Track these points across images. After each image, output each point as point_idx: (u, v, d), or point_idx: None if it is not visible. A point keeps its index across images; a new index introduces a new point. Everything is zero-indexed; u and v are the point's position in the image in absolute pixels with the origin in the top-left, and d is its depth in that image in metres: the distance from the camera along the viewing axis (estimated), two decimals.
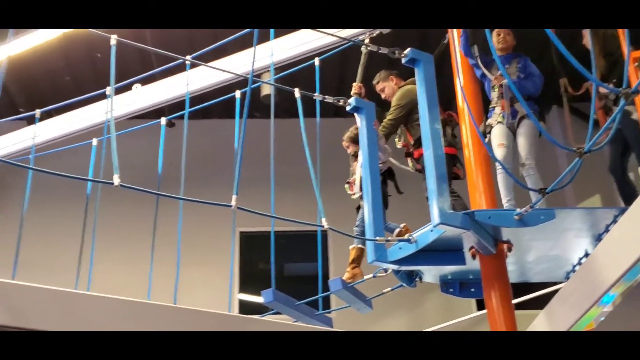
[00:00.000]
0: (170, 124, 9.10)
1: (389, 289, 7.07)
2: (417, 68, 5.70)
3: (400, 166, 7.46)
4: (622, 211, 5.38)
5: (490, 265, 5.82)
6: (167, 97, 9.56)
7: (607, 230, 5.70)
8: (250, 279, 13.23)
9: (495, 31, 6.64)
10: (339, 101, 6.39)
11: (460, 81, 6.23)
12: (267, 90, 11.55)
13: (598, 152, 4.55)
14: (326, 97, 6.43)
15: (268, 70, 8.22)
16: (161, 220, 7.50)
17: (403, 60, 5.71)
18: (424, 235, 5.56)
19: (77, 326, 3.85)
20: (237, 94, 7.54)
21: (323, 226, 5.29)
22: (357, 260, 7.22)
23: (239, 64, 8.61)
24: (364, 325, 11.22)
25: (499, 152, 6.17)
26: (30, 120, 9.92)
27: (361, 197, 7.21)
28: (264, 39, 7.62)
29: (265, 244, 7.02)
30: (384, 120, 7.28)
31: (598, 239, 5.82)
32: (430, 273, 6.54)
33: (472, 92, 6.52)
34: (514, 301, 5.87)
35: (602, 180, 6.94)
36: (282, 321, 4.89)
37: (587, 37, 6.31)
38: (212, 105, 8.79)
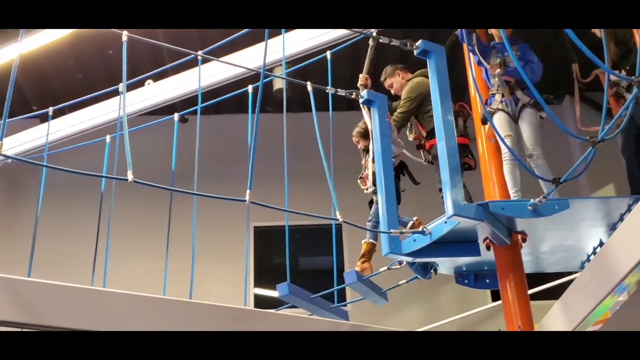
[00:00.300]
0: (183, 120, 9.12)
1: (404, 281, 7.07)
2: (429, 60, 5.68)
3: (413, 158, 7.45)
4: (637, 200, 5.37)
5: (504, 256, 5.81)
6: (179, 93, 9.58)
7: (621, 219, 5.68)
8: (265, 274, 13.24)
9: None
10: (351, 94, 6.39)
11: (472, 72, 6.21)
12: (279, 84, 11.55)
13: (612, 140, 4.54)
14: (338, 90, 6.43)
15: (280, 64, 8.23)
16: (175, 216, 7.53)
17: (415, 52, 5.70)
18: (438, 227, 5.55)
19: (93, 322, 3.86)
20: (249, 88, 7.54)
21: (337, 219, 5.28)
22: (368, 255, 7.22)
23: (250, 58, 8.62)
24: (380, 317, 11.23)
25: (507, 142, 6.07)
26: (44, 118, 9.95)
27: (374, 192, 7.22)
28: (275, 33, 7.64)
29: (280, 238, 7.02)
30: (395, 113, 7.26)
31: (613, 228, 5.81)
32: (445, 265, 6.54)
33: (484, 82, 6.52)
34: (529, 292, 5.86)
35: (616, 170, 6.90)
36: (298, 315, 4.89)
37: None
38: (225, 101, 8.80)
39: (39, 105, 12.70)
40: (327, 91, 6.52)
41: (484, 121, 6.31)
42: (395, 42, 5.78)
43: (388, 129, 6.28)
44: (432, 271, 6.64)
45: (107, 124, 9.88)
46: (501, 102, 6.27)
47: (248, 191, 4.58)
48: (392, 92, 7.64)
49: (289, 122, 6.63)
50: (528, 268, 6.24)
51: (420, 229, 5.69)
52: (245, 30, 7.16)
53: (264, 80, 5.07)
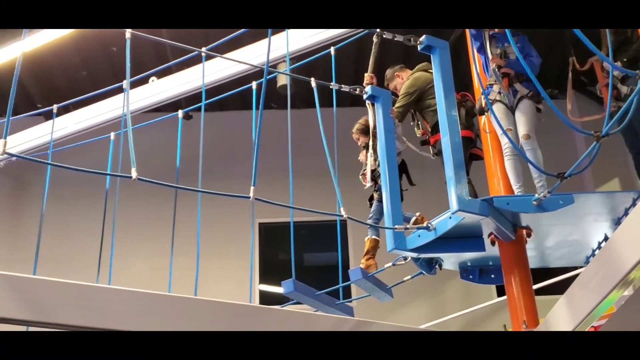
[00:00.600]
0: (187, 117, 9.12)
1: (409, 276, 7.06)
2: (433, 55, 5.67)
3: (421, 153, 7.42)
4: None
5: (509, 251, 5.80)
6: (183, 90, 9.57)
7: (626, 213, 5.68)
8: (271, 270, 13.26)
9: None
10: (355, 90, 6.38)
11: (476, 67, 6.20)
12: (283, 80, 11.55)
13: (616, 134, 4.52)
14: (342, 86, 6.42)
15: (284, 61, 8.22)
16: (180, 213, 7.53)
17: (419, 48, 5.69)
18: (443, 222, 5.56)
19: (98, 320, 3.87)
20: (253, 85, 7.53)
21: (342, 216, 5.27)
22: (372, 251, 7.22)
23: (254, 54, 8.62)
24: (385, 313, 11.25)
25: (505, 138, 5.98)
26: (48, 116, 9.97)
27: (374, 189, 7.22)
28: (278, 29, 7.62)
29: (285, 235, 7.04)
30: (392, 108, 7.26)
31: (618, 222, 5.80)
32: (450, 260, 6.53)
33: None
34: (534, 287, 5.86)
35: (621, 164, 6.91)
36: (303, 311, 4.89)
37: None
38: (229, 97, 8.79)
39: (43, 102, 12.73)
40: (331, 87, 6.51)
41: (481, 112, 6.30)
42: (399, 38, 5.77)
43: (392, 124, 6.27)
44: (436, 267, 6.63)
45: (112, 121, 9.88)
46: (499, 93, 6.22)
47: (252, 188, 4.57)
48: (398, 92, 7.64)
49: (293, 119, 6.63)
50: (533, 263, 6.23)
51: (424, 224, 5.69)
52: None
53: (268, 77, 5.07)
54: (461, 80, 6.21)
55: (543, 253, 6.48)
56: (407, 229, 5.70)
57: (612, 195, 5.78)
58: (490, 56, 6.33)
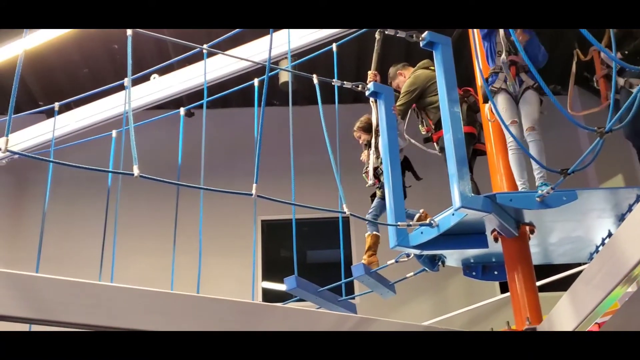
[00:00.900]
0: (189, 114, 9.12)
1: (412, 273, 7.06)
2: (435, 51, 5.66)
3: (428, 150, 7.41)
4: None
5: (512, 248, 5.79)
6: (185, 87, 9.55)
7: (630, 209, 5.67)
8: (273, 267, 13.25)
9: None
10: (357, 86, 6.37)
11: (479, 63, 6.18)
12: (285, 77, 11.55)
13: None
14: (344, 82, 6.41)
15: (286, 57, 8.21)
16: (182, 211, 7.52)
17: (421, 44, 5.68)
18: (446, 219, 5.55)
19: (100, 317, 3.86)
20: (255, 82, 7.52)
21: (344, 212, 5.27)
22: (374, 247, 7.22)
23: (256, 51, 8.60)
24: (388, 310, 11.24)
25: (512, 130, 5.98)
26: (50, 114, 9.95)
27: (377, 187, 7.22)
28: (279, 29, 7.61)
29: (287, 232, 7.03)
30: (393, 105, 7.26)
31: (621, 218, 5.79)
32: (453, 257, 6.52)
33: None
34: (538, 283, 5.85)
35: (625, 160, 6.89)
36: (306, 308, 4.88)
37: None
38: (231, 94, 8.78)
39: (44, 100, 12.74)
40: (333, 84, 6.50)
41: (485, 99, 6.25)
42: (402, 34, 5.76)
43: (395, 121, 6.27)
44: (439, 263, 6.63)
45: (113, 119, 9.86)
46: (504, 81, 6.18)
47: (254, 185, 4.57)
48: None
49: (295, 116, 6.62)
50: (536, 259, 6.23)
51: (427, 221, 5.68)
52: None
53: (270, 74, 5.06)
54: (463, 76, 6.18)
55: (546, 249, 6.47)
56: (410, 225, 5.69)
57: (616, 192, 5.76)
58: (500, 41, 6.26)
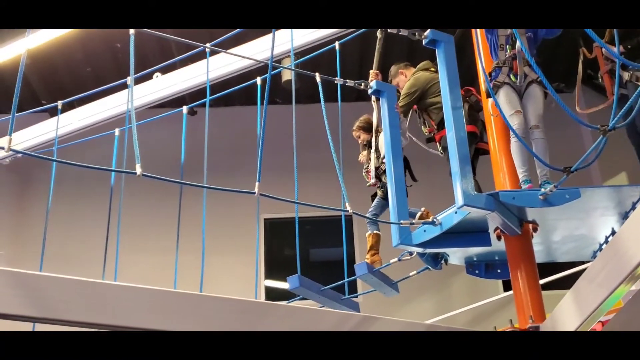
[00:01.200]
0: (191, 112, 9.12)
1: (415, 272, 7.06)
2: (438, 49, 5.65)
3: (430, 150, 7.41)
4: None
5: (515, 246, 5.78)
6: (187, 86, 9.57)
7: (633, 207, 5.65)
8: (276, 266, 13.26)
9: None
10: (360, 85, 6.36)
11: (481, 62, 6.17)
12: (288, 75, 11.55)
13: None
14: (347, 81, 6.40)
15: (288, 56, 8.21)
16: (185, 209, 7.52)
17: (423, 42, 5.67)
18: (448, 217, 5.54)
19: (103, 316, 3.86)
20: (258, 80, 7.52)
21: (347, 211, 5.26)
22: (376, 246, 7.23)
23: (258, 50, 8.60)
24: (391, 308, 11.24)
25: (515, 120, 5.95)
26: (53, 112, 9.97)
27: (378, 187, 7.22)
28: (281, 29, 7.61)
29: (290, 230, 7.02)
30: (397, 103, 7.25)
31: (625, 216, 5.78)
32: (456, 255, 6.51)
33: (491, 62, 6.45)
34: (541, 281, 5.84)
35: (628, 158, 6.86)
36: (309, 307, 4.88)
37: None
38: (233, 93, 8.78)
39: (48, 99, 12.74)
40: (335, 82, 6.49)
41: (488, 95, 6.23)
42: (404, 32, 5.75)
43: (397, 119, 6.26)
44: (442, 262, 6.63)
45: (116, 118, 9.88)
46: (508, 75, 6.17)
47: (257, 183, 4.57)
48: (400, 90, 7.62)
49: (298, 114, 6.62)
50: (539, 258, 6.21)
51: (430, 219, 5.67)
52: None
53: (273, 72, 5.06)
54: (465, 77, 6.17)
55: (549, 248, 6.46)
56: (413, 224, 5.69)
57: (619, 189, 5.75)
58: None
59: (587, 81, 6.80)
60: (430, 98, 7.04)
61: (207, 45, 6.51)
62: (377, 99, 6.50)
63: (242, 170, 10.64)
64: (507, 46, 6.17)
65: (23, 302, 3.70)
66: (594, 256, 6.50)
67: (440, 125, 6.84)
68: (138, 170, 4.17)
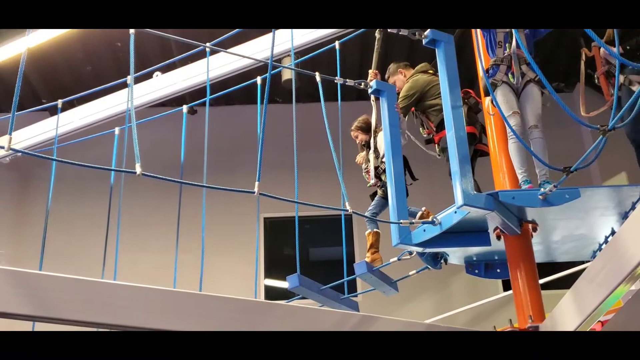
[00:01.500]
0: (191, 112, 9.12)
1: (414, 271, 7.06)
2: (438, 49, 5.64)
3: (428, 151, 7.41)
4: None
5: (515, 246, 5.79)
6: (187, 85, 9.58)
7: (633, 207, 5.66)
8: (276, 265, 13.26)
9: None
10: (360, 84, 6.36)
11: (481, 62, 6.16)
12: (288, 75, 11.55)
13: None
14: (347, 80, 6.40)
15: (288, 55, 8.22)
16: (185, 208, 7.52)
17: (423, 42, 5.66)
18: (448, 216, 5.54)
19: (103, 315, 3.87)
20: (258, 79, 7.52)
21: (347, 210, 5.26)
22: (376, 245, 7.23)
23: (259, 49, 8.61)
24: (390, 307, 11.24)
25: (512, 121, 5.91)
26: (53, 111, 9.98)
27: (379, 186, 7.22)
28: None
29: (290, 230, 7.03)
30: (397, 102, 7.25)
31: (625, 216, 5.78)
32: (455, 255, 6.52)
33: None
34: (540, 281, 5.84)
35: (628, 158, 6.86)
36: (308, 306, 4.88)
37: None
38: (233, 92, 8.79)
39: (48, 98, 12.74)
40: (335, 81, 6.49)
41: (487, 93, 6.21)
42: (404, 32, 5.74)
43: (397, 119, 6.26)
44: (442, 261, 6.63)
45: (116, 117, 9.89)
46: (506, 74, 6.16)
47: (257, 183, 4.56)
48: (396, 89, 7.61)
49: (298, 113, 6.62)
50: (539, 257, 6.22)
51: (430, 219, 5.67)
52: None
53: (273, 72, 5.06)
54: (464, 78, 6.17)
55: (549, 247, 6.46)
56: (413, 223, 5.69)
57: (619, 189, 5.75)
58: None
59: (587, 80, 6.78)
60: (429, 100, 7.04)
61: (207, 44, 6.51)
62: (377, 99, 6.51)
63: (242, 170, 10.66)
64: (506, 44, 6.17)
65: (23, 300, 3.70)
66: (594, 256, 6.50)
67: (439, 127, 6.84)
68: (138, 169, 4.17)
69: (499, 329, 5.83)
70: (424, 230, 5.70)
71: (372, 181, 7.12)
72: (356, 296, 7.84)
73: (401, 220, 5.59)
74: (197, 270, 6.94)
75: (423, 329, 5.15)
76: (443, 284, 12.94)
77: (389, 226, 5.85)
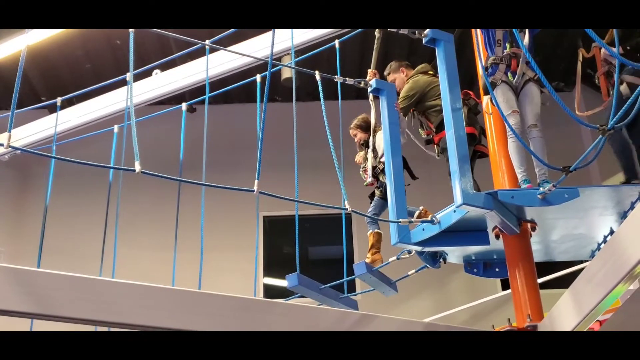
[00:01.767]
0: (191, 110, 9.11)
1: (414, 270, 7.05)
2: (438, 48, 5.64)
3: (427, 152, 7.40)
4: None
5: (514, 245, 5.79)
6: (187, 83, 9.58)
7: (632, 207, 5.66)
8: (275, 263, 13.25)
9: None
10: (359, 83, 6.36)
11: (481, 62, 6.16)
12: (287, 73, 11.54)
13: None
14: (347, 79, 6.39)
15: (288, 53, 8.22)
16: (184, 207, 7.52)
17: (423, 41, 5.66)
18: (447, 215, 5.54)
19: (101, 312, 3.87)
20: (258, 77, 7.51)
21: (347, 209, 5.26)
22: (377, 245, 7.22)
23: (258, 47, 8.61)
24: (389, 306, 11.23)
25: (511, 120, 5.91)
26: (52, 109, 9.97)
27: (376, 186, 7.21)
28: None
29: (290, 228, 7.02)
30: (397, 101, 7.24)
31: (623, 216, 5.78)
32: (454, 254, 6.52)
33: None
34: (539, 280, 5.84)
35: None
36: (307, 305, 4.88)
37: None
38: (233, 90, 8.79)
39: (47, 95, 12.73)
40: (335, 80, 6.48)
41: (486, 91, 6.20)
42: (404, 31, 5.74)
43: (397, 117, 6.26)
44: (441, 260, 6.63)
45: (115, 114, 9.89)
46: (505, 73, 6.15)
47: (256, 181, 4.56)
48: (396, 88, 7.60)
49: (298, 112, 6.62)
50: (538, 257, 6.22)
51: (429, 218, 5.67)
52: None
53: (272, 70, 5.06)
54: (464, 79, 6.16)
55: (548, 247, 6.46)
56: (412, 222, 5.69)
57: (618, 189, 5.75)
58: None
59: (586, 80, 6.78)
60: (429, 101, 7.03)
61: (207, 42, 6.51)
62: (376, 98, 6.50)
63: (241, 168, 10.62)
64: (506, 43, 6.17)
65: (21, 298, 3.70)
66: (592, 255, 6.50)
67: (439, 127, 6.83)
68: (137, 167, 4.17)
69: (497, 328, 5.83)
70: (423, 229, 5.70)
71: (369, 180, 7.11)
72: (355, 295, 7.83)
73: (400, 219, 5.59)
74: (196, 268, 6.94)
75: (422, 327, 5.15)
76: (442, 283, 12.94)
77: (388, 225, 5.85)
